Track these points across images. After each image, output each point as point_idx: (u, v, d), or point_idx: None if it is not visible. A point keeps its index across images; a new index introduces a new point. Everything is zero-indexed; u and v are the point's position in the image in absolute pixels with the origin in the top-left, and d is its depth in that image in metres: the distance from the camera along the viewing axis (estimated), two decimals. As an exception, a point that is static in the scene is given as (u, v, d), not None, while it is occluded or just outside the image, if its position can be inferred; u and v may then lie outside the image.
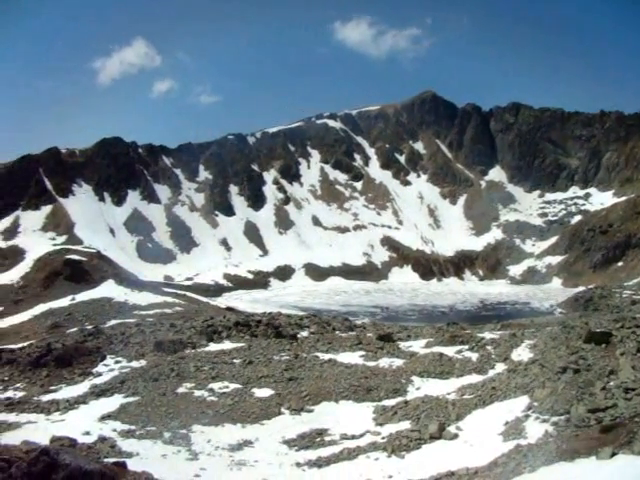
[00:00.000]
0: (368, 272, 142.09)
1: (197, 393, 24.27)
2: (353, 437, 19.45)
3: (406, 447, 17.25)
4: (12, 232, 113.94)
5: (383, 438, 18.67)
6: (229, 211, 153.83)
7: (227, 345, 33.00)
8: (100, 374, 28.77)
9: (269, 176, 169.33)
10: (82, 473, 6.46)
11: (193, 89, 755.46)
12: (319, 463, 17.10)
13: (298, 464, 17.17)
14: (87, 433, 19.36)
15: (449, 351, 29.91)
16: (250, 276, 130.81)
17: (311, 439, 19.54)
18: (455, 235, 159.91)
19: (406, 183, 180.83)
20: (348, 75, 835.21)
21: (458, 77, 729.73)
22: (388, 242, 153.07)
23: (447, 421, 18.89)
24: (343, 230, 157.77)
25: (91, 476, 6.53)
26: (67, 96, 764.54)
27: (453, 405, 20.67)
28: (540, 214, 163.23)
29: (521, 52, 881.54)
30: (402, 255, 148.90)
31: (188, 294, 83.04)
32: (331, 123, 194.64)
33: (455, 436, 17.47)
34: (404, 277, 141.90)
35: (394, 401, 22.63)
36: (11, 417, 22.29)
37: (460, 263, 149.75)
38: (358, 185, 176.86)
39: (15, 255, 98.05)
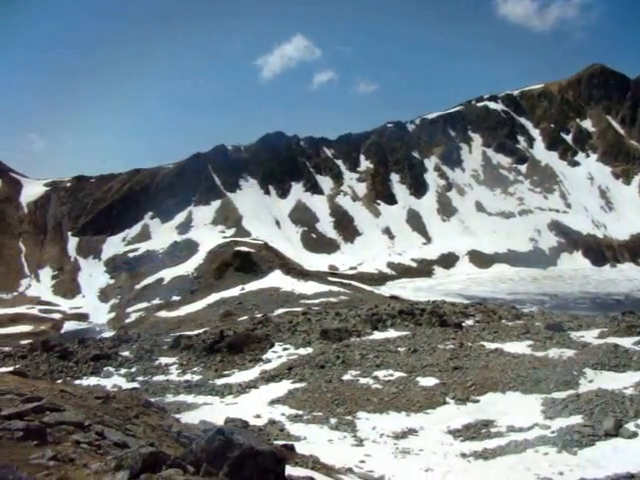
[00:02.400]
0: (535, 258, 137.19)
1: (362, 380, 24.65)
2: (520, 430, 18.87)
3: (578, 443, 16.44)
4: (186, 226, 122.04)
5: (553, 432, 17.92)
6: (391, 200, 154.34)
7: (391, 333, 33.19)
8: (269, 360, 30.08)
9: (430, 163, 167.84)
10: (254, 453, 6.81)
11: (352, 79, 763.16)
12: (485, 455, 16.78)
13: (463, 455, 16.97)
14: (258, 416, 20.41)
15: (625, 342, 28.12)
16: (414, 264, 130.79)
17: (476, 430, 19.21)
18: (630, 217, 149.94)
19: (574, 164, 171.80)
20: (510, 53, 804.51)
21: (632, 45, 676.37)
22: (556, 227, 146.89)
23: (624, 418, 17.75)
24: (508, 215, 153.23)
25: (263, 456, 6.87)
26: (233, 95, 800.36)
27: (631, 401, 19.36)
28: None
29: None
30: (572, 240, 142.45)
31: (352, 283, 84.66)
32: (492, 105, 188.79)
33: (634, 434, 16.38)
34: (574, 263, 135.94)
35: (565, 394, 21.64)
36: (189, 398, 24.06)
37: (636, 248, 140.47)
38: (522, 168, 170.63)
39: (189, 248, 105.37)
